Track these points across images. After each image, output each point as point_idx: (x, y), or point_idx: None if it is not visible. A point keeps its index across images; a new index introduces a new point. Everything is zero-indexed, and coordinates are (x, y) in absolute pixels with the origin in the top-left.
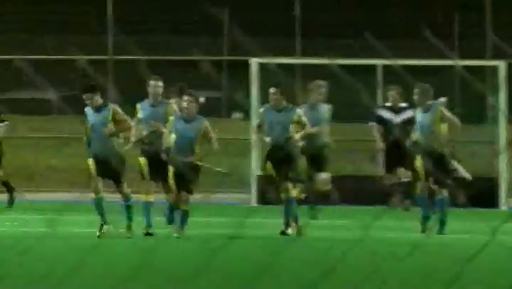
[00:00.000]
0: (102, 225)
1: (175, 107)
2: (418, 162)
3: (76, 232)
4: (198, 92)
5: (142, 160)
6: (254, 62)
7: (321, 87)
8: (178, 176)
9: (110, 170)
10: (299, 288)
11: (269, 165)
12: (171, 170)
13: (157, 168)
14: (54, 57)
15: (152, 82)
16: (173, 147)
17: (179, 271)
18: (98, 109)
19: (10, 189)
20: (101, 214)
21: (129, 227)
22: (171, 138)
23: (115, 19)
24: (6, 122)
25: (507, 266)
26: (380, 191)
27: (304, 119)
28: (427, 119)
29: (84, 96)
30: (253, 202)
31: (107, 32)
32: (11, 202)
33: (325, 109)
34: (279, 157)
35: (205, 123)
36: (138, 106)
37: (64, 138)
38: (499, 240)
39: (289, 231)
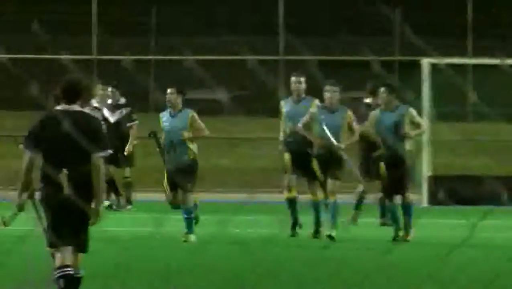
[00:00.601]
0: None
1: None
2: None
3: (243, 232)
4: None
5: None
6: (426, 63)
7: None
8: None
9: None
10: None
11: None
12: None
13: None
14: (223, 57)
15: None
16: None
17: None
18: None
19: (126, 192)
20: (294, 215)
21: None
22: None
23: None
24: (136, 122)
25: None
26: None
27: (418, 119)
28: None
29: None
30: (424, 202)
31: (278, 33)
32: (122, 204)
33: None
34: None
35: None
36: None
37: (234, 139)
38: None
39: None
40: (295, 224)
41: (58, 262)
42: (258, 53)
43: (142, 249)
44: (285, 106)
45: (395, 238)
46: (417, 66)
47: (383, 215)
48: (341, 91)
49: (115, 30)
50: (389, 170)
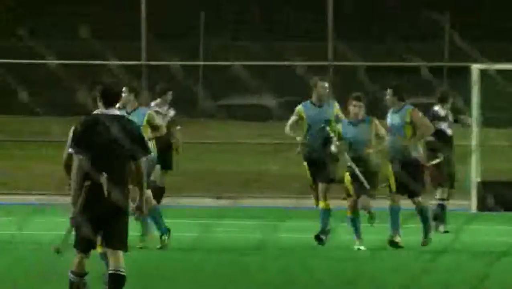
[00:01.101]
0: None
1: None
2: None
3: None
4: (418, 98)
5: None
6: (475, 68)
7: None
8: None
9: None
10: None
11: None
12: None
13: None
14: (271, 63)
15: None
16: None
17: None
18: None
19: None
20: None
21: None
22: None
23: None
24: (179, 127)
25: None
26: None
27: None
28: None
29: None
30: (473, 208)
31: (327, 39)
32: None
33: None
34: None
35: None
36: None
37: (280, 144)
38: None
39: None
40: (324, 232)
41: (76, 266)
42: (306, 58)
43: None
44: (305, 110)
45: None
46: (466, 71)
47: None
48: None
49: (163, 35)
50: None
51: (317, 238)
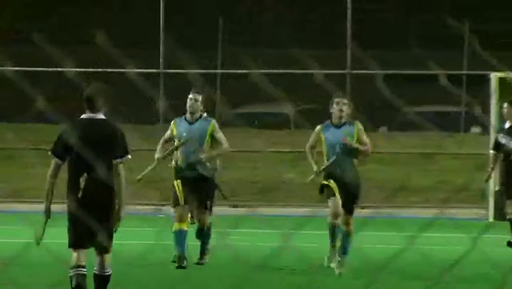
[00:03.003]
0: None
1: None
2: None
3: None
4: (437, 106)
5: None
6: (494, 77)
7: None
8: None
9: None
10: None
11: None
12: None
13: None
14: (290, 71)
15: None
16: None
17: None
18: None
19: None
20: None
21: None
22: None
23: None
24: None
25: None
26: None
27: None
28: None
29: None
30: (490, 217)
31: (346, 47)
32: None
33: None
34: None
35: None
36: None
37: (300, 152)
38: None
39: None
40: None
41: (74, 261)
42: (325, 67)
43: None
44: (325, 132)
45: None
46: (485, 80)
47: None
48: (409, 104)
49: (181, 43)
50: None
51: None
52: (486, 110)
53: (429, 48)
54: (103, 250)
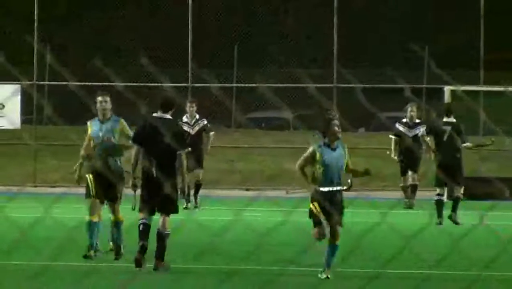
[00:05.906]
0: None
1: None
2: None
3: None
4: (403, 112)
5: None
6: (447, 90)
7: None
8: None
9: None
10: None
11: None
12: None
13: None
14: (289, 85)
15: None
16: None
17: None
18: None
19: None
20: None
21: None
22: None
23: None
24: (213, 132)
25: None
26: None
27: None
28: None
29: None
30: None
31: (333, 66)
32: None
33: None
34: None
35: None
36: None
37: (297, 148)
38: None
39: None
40: None
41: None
42: (316, 81)
43: None
44: (320, 152)
45: None
46: (440, 92)
47: None
48: (382, 111)
49: (205, 62)
50: None
51: None
52: (440, 115)
53: (398, 67)
54: (165, 213)
